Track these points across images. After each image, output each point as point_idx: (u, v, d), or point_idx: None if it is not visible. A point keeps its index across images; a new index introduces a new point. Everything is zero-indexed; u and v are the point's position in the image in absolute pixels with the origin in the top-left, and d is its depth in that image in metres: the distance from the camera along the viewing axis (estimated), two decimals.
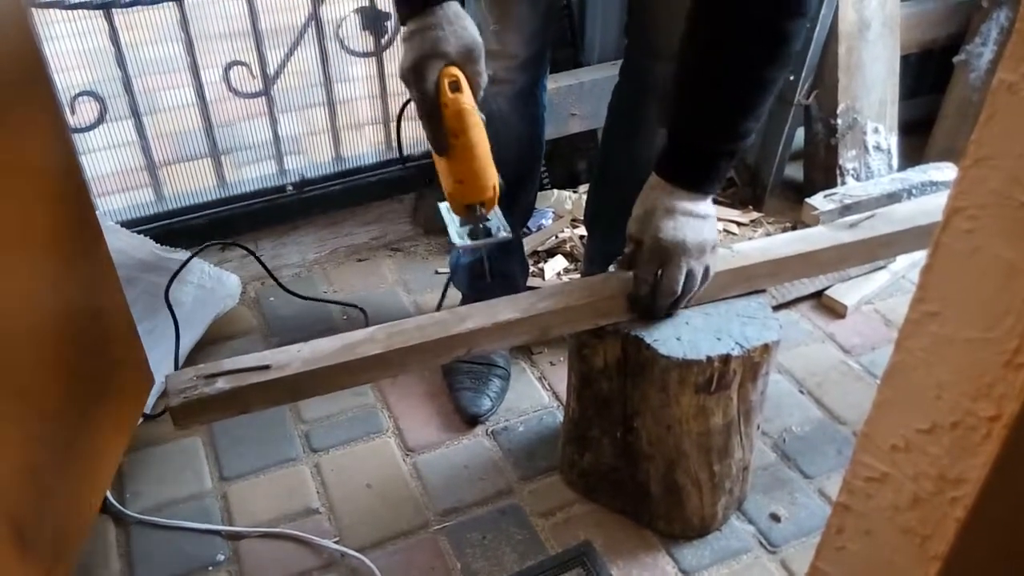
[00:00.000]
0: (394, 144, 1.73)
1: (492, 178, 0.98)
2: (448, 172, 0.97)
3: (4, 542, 0.86)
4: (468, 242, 1.02)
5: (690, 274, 1.01)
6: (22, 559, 0.89)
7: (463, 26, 0.92)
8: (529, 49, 1.23)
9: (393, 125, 1.67)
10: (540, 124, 1.38)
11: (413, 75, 0.91)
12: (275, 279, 1.13)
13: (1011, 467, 0.44)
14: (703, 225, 1.00)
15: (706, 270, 1.03)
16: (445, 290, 1.55)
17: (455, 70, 0.92)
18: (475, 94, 0.94)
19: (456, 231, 1.05)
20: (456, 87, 0.91)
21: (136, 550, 1.16)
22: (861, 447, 0.51)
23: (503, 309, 1.00)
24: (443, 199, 1.07)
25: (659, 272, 1.01)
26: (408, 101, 1.06)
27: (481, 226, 1.01)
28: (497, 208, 1.02)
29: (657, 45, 1.26)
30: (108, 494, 1.20)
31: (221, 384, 0.91)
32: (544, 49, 1.29)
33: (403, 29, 0.93)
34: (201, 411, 0.91)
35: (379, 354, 0.94)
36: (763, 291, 1.13)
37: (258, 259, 1.28)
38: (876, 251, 1.20)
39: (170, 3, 1.39)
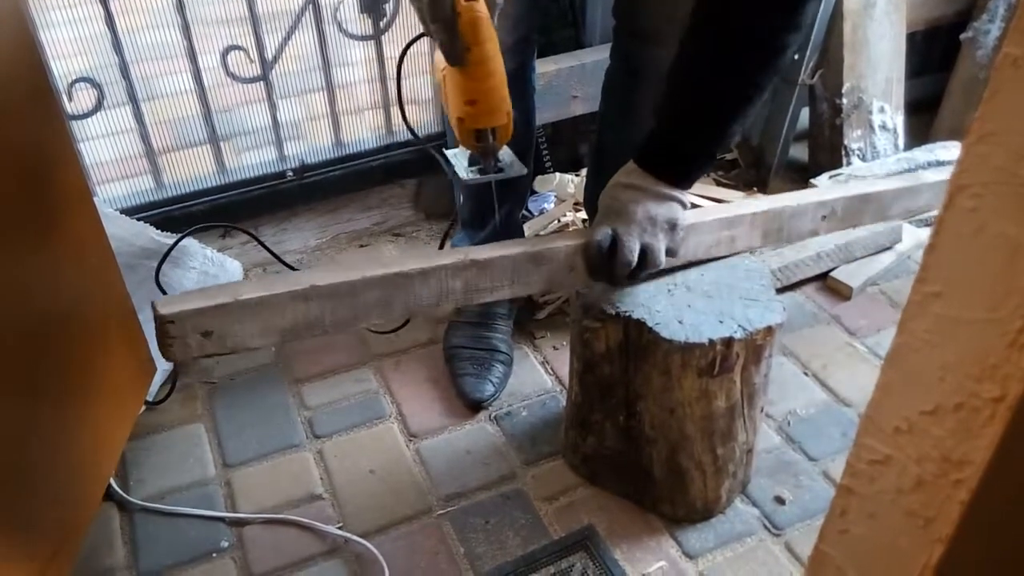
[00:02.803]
0: (395, 127, 1.72)
1: (506, 102, 0.90)
2: (459, 91, 0.89)
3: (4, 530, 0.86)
4: (477, 176, 0.94)
5: (649, 247, 0.99)
6: (20, 547, 0.90)
7: None
8: (515, 35, 1.21)
9: (394, 95, 1.64)
10: (531, 107, 1.37)
11: None
12: (277, 257, 1.12)
13: (1015, 448, 0.43)
14: (671, 204, 1.00)
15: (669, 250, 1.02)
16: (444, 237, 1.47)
17: None
18: (490, 11, 0.88)
19: (464, 168, 0.97)
20: None
21: (140, 537, 1.17)
22: (864, 429, 0.51)
23: (445, 255, 0.97)
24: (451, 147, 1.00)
25: (614, 239, 0.98)
26: (412, 42, 0.99)
27: (490, 161, 0.94)
28: (508, 148, 0.96)
29: (643, 28, 1.25)
30: (112, 481, 1.20)
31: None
32: (531, 33, 1.28)
33: None
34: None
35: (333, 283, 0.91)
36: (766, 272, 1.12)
37: (261, 241, 1.28)
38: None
39: None
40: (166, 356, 0.90)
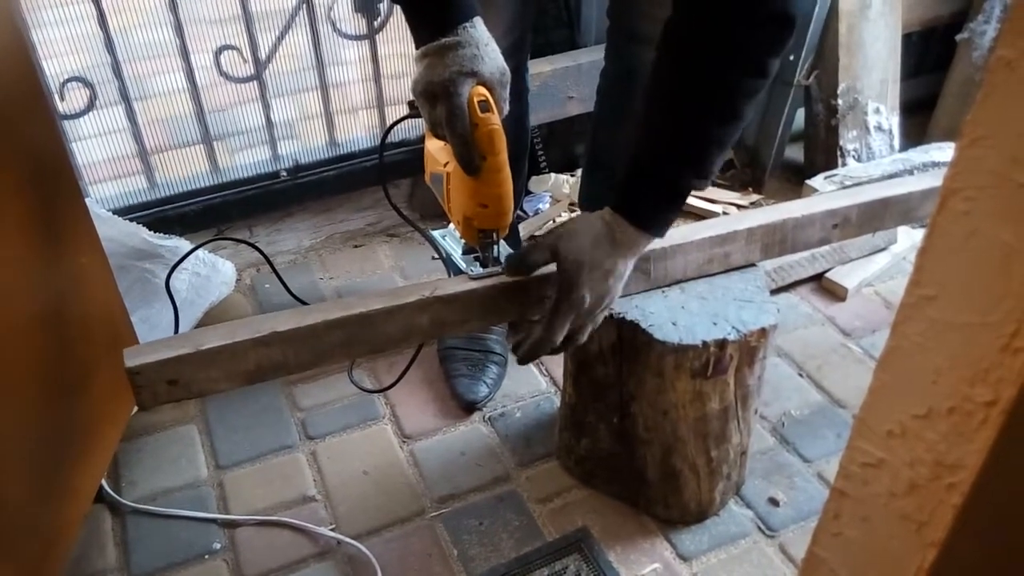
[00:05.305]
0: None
1: (512, 204, 0.96)
2: (471, 195, 0.94)
3: None
4: (480, 271, 0.99)
5: (581, 328, 0.97)
6: (9, 549, 0.89)
7: (494, 48, 0.91)
8: (510, 37, 1.21)
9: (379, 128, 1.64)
10: (525, 108, 1.37)
11: (445, 91, 0.87)
12: (275, 271, 1.13)
13: (1008, 453, 0.43)
14: (621, 284, 0.97)
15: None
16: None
17: (484, 91, 0.89)
18: (499, 112, 0.92)
19: (462, 259, 1.03)
20: (486, 107, 0.89)
21: (132, 539, 1.16)
22: (857, 432, 0.51)
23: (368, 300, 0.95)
24: (439, 228, 1.06)
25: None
26: (400, 120, 1.03)
27: (489, 254, 0.99)
28: (503, 241, 1.01)
29: (637, 29, 1.25)
30: (103, 483, 1.20)
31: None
32: (525, 34, 1.28)
33: (428, 45, 0.88)
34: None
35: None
36: (753, 265, 1.12)
37: (260, 251, 1.28)
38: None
39: None
40: (139, 405, 0.90)
